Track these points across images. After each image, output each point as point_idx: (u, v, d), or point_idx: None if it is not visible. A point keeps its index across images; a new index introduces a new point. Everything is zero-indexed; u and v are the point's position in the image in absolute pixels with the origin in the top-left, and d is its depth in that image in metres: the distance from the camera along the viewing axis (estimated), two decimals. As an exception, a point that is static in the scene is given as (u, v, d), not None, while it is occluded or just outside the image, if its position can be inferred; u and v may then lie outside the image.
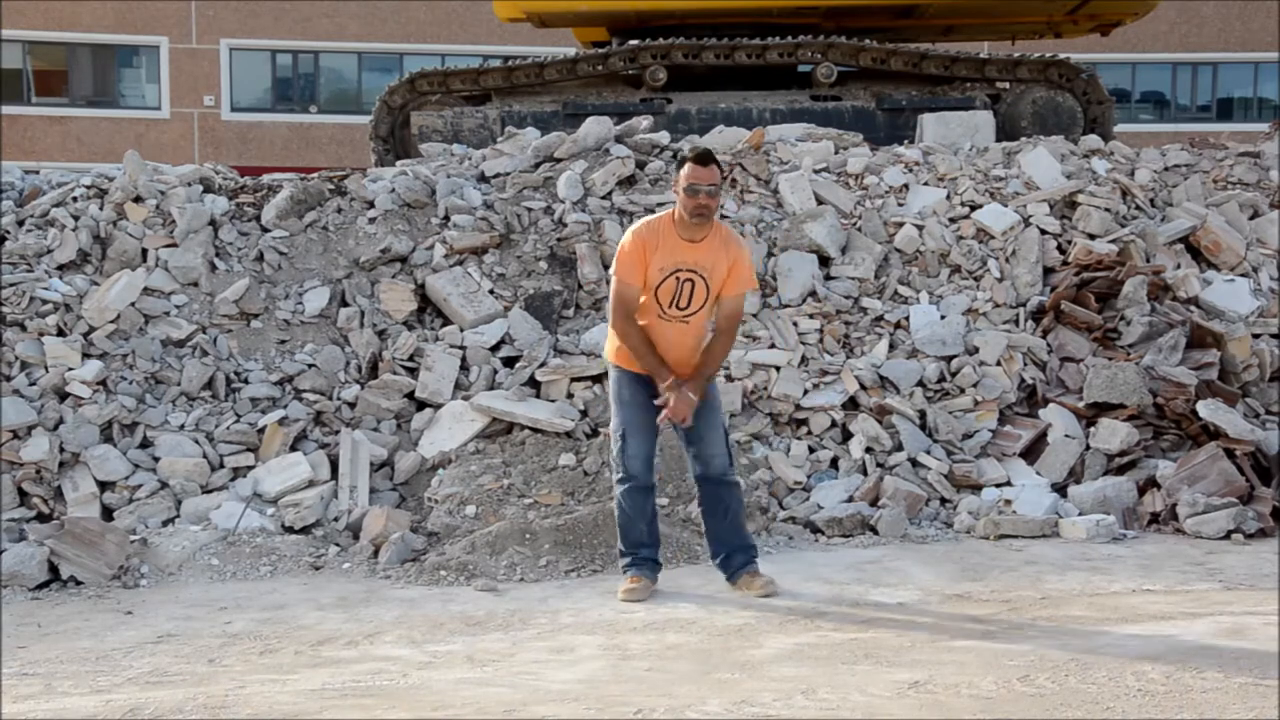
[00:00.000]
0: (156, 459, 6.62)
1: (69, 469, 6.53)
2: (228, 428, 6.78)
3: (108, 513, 6.40)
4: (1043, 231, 8.10)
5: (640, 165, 8.39)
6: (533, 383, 7.10)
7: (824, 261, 7.85)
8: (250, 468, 6.67)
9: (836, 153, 8.82)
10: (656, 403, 5.20)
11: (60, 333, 7.04)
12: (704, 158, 5.12)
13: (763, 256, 7.83)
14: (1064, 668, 4.18)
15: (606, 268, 7.71)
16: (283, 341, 7.35)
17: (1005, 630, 4.72)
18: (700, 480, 5.41)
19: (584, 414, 6.92)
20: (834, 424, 7.05)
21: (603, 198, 8.16)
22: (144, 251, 7.55)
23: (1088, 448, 6.92)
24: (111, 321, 7.12)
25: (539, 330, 7.40)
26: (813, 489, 6.72)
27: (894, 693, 3.98)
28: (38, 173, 8.79)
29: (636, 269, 5.18)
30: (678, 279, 5.16)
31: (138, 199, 7.75)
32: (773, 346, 7.30)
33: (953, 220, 8.22)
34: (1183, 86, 28.72)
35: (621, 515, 5.41)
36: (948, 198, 8.34)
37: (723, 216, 8.08)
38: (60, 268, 7.43)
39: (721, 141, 8.80)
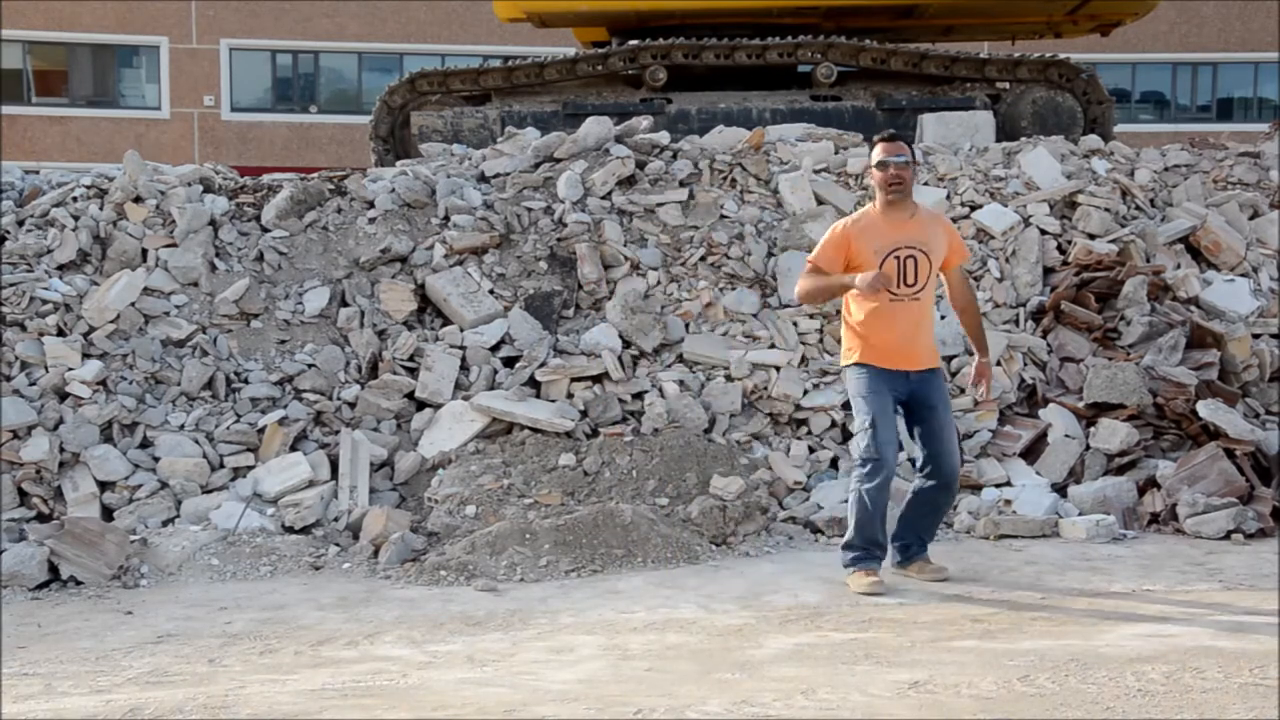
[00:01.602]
0: (156, 459, 6.62)
1: (69, 469, 6.53)
2: (228, 428, 6.78)
3: (108, 513, 6.40)
4: (1043, 231, 8.09)
5: (640, 165, 8.39)
6: (533, 383, 7.10)
7: (824, 261, 7.84)
8: (250, 468, 6.66)
9: (836, 153, 8.82)
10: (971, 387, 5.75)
11: (60, 333, 7.04)
12: (891, 137, 5.49)
13: (763, 256, 7.83)
14: (1064, 668, 4.18)
15: (607, 268, 7.75)
16: (283, 341, 7.35)
17: (1005, 630, 4.73)
18: (928, 477, 5.51)
19: (584, 414, 6.92)
20: (834, 424, 7.04)
21: (603, 198, 8.16)
22: (144, 251, 7.55)
23: (1088, 448, 6.92)
24: (111, 321, 7.12)
25: (539, 330, 7.40)
26: (813, 489, 6.72)
27: (894, 693, 3.98)
28: (38, 173, 8.79)
29: (837, 258, 5.44)
30: (898, 258, 5.32)
31: (138, 199, 7.75)
32: (773, 346, 7.30)
33: (953, 220, 8.21)
34: (1183, 86, 28.72)
35: (863, 509, 5.37)
36: (948, 198, 8.34)
37: (722, 216, 8.08)
38: (60, 268, 7.43)
39: (721, 141, 8.80)
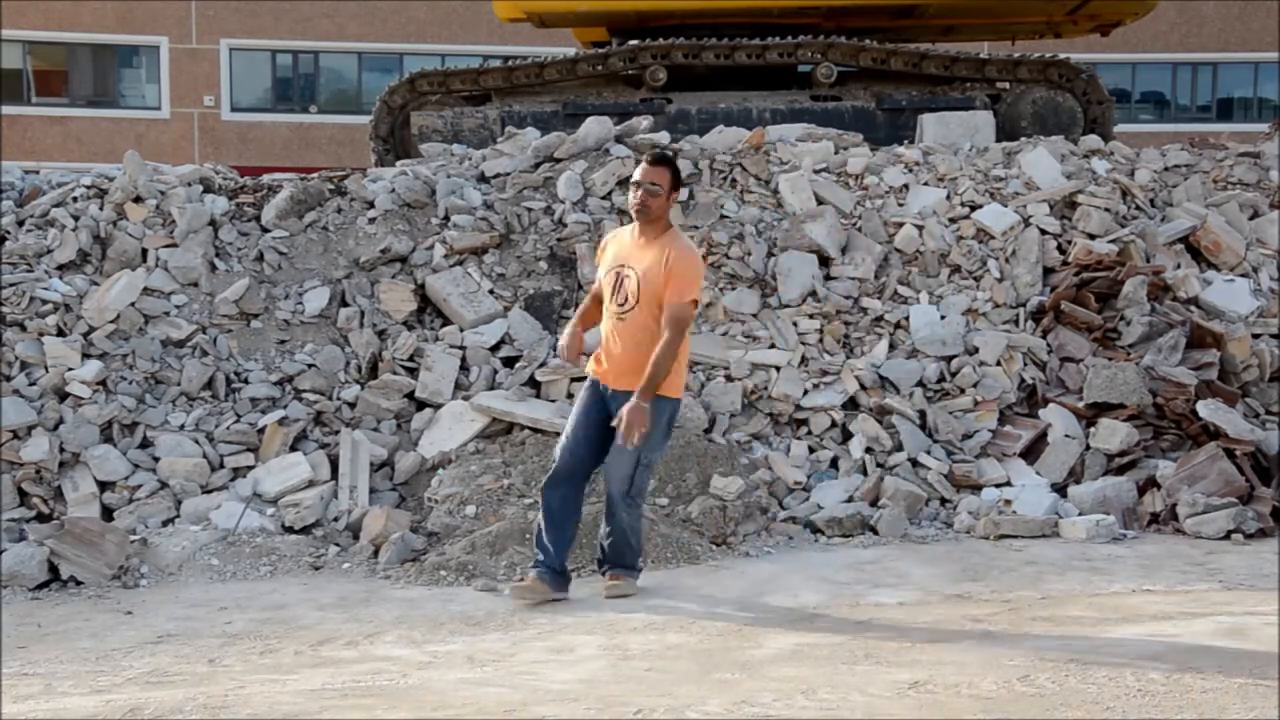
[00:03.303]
0: (156, 459, 6.63)
1: (69, 469, 6.53)
2: (228, 428, 6.78)
3: (108, 513, 6.40)
4: (1043, 231, 8.09)
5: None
6: (533, 383, 7.10)
7: (824, 261, 7.85)
8: (250, 468, 6.67)
9: (836, 153, 8.82)
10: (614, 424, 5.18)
11: (60, 333, 7.04)
12: (657, 158, 5.33)
13: (763, 256, 7.82)
14: (1064, 668, 4.18)
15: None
16: (283, 341, 7.35)
17: (1005, 630, 4.73)
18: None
19: (584, 414, 6.91)
20: (834, 424, 7.05)
21: (603, 198, 8.15)
22: (144, 251, 7.55)
23: (1088, 448, 6.92)
24: (111, 321, 7.12)
25: (539, 330, 7.40)
26: (813, 489, 6.73)
27: (894, 693, 3.98)
28: (38, 173, 8.78)
29: (599, 265, 5.48)
30: (617, 274, 5.30)
31: (138, 199, 7.75)
32: (773, 346, 7.30)
33: (953, 220, 8.22)
34: (1183, 86, 28.71)
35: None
36: (948, 198, 8.34)
37: (722, 216, 8.08)
38: (60, 268, 7.43)
39: (721, 141, 8.79)
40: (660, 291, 5.17)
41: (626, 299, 5.23)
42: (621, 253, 5.34)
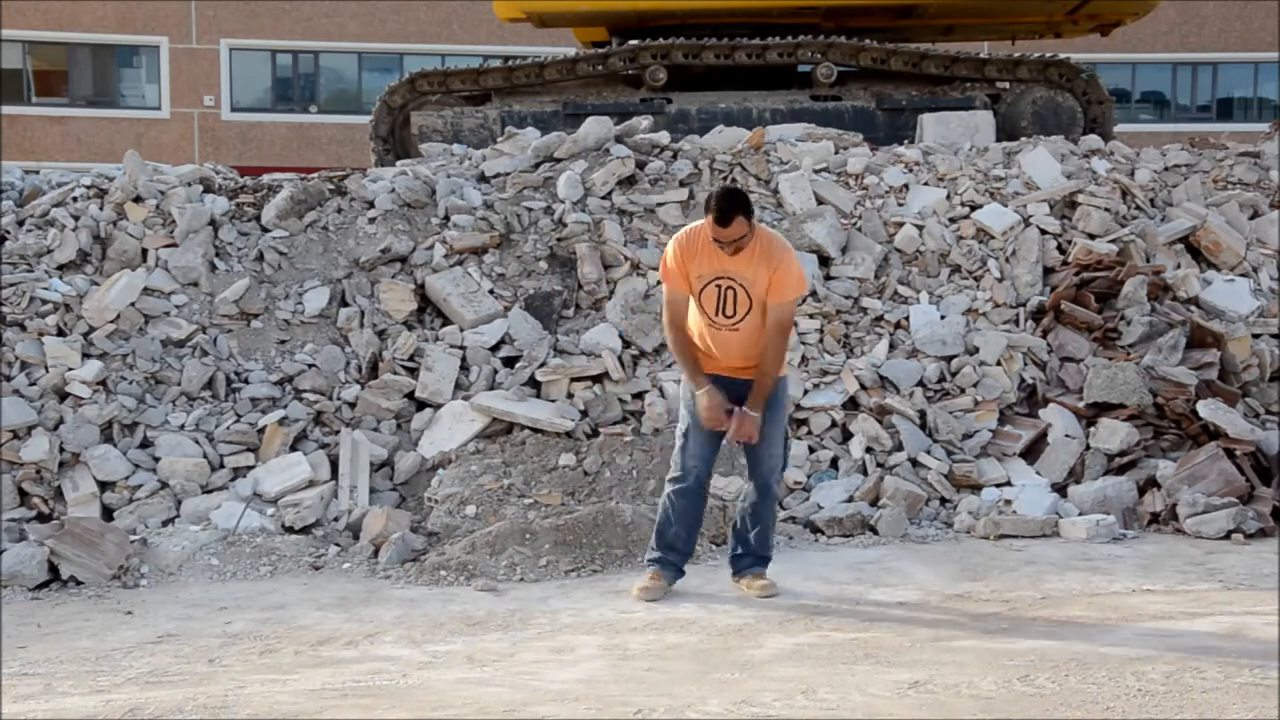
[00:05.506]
0: (156, 459, 6.62)
1: (69, 469, 6.53)
2: (228, 428, 6.78)
3: (108, 513, 6.40)
4: (1043, 231, 8.10)
5: (640, 165, 8.39)
6: (533, 383, 7.10)
7: (824, 261, 7.85)
8: (250, 468, 6.66)
9: (836, 153, 8.82)
10: (722, 428, 5.19)
11: (60, 333, 7.04)
12: (725, 217, 4.95)
13: (763, 256, 7.82)
14: (1064, 668, 4.18)
15: (607, 268, 7.76)
16: (283, 341, 7.35)
17: (1005, 630, 4.73)
18: (747, 480, 5.43)
19: (584, 414, 6.92)
20: (834, 424, 7.04)
21: (603, 198, 8.16)
22: (144, 251, 7.55)
23: (1088, 448, 6.92)
24: (111, 321, 7.12)
25: (539, 330, 7.40)
26: (813, 489, 6.73)
27: (894, 693, 3.99)
28: (38, 173, 8.79)
29: (679, 278, 5.18)
30: (719, 287, 5.12)
31: (138, 199, 7.75)
32: (773, 346, 7.29)
33: (953, 220, 8.22)
34: (1183, 86, 28.71)
35: (662, 513, 5.38)
36: (948, 198, 8.34)
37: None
38: (60, 268, 7.43)
39: (721, 141, 8.80)
40: (762, 301, 5.25)
41: (735, 313, 5.21)
42: (714, 262, 5.15)
